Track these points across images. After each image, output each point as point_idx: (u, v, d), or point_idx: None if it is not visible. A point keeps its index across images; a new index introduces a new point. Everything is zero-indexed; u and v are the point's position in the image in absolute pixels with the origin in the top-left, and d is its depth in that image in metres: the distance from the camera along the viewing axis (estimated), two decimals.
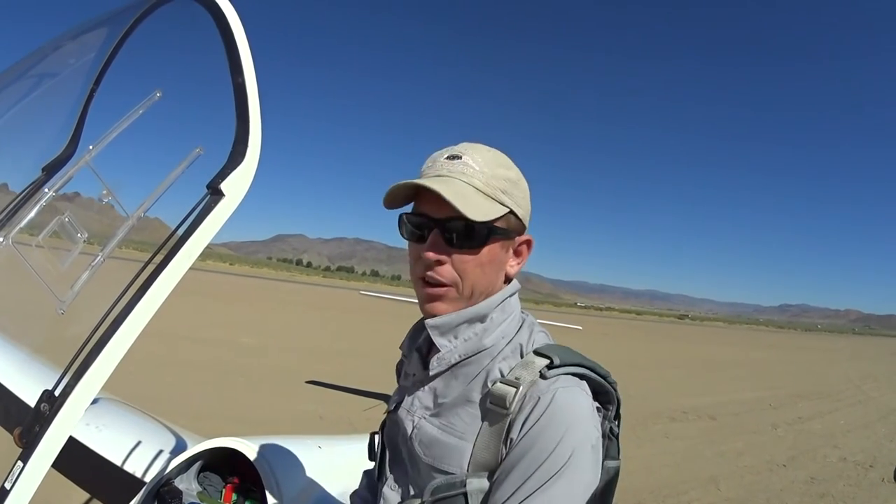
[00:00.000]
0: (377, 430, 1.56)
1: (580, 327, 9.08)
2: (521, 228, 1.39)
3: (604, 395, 1.34)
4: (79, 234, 1.31)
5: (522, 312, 1.43)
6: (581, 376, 1.27)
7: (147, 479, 2.44)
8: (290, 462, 2.44)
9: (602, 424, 1.31)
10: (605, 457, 1.30)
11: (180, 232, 1.17)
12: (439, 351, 1.35)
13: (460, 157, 1.30)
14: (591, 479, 1.21)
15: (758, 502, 8.00)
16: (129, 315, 1.08)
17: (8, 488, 1.04)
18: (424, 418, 1.35)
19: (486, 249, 1.30)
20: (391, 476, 1.44)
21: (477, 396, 1.28)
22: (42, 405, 1.09)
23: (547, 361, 1.25)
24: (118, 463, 2.55)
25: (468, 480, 1.22)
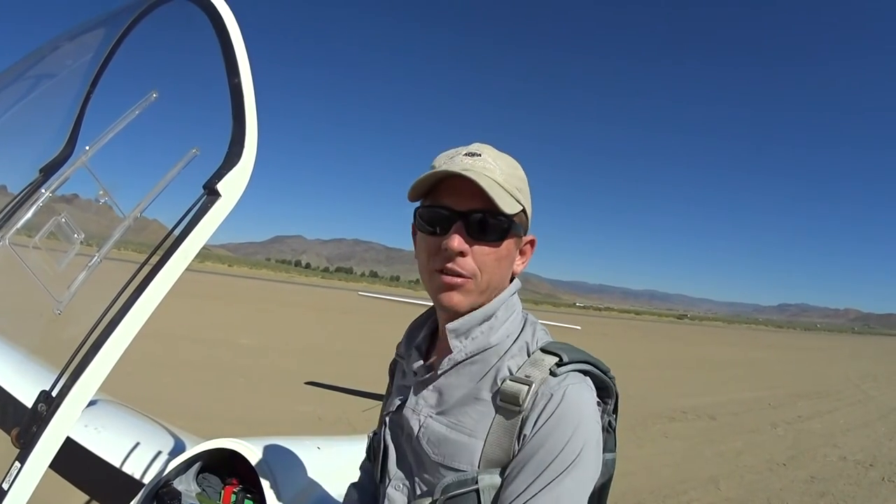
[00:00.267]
0: (375, 430, 1.57)
1: (579, 327, 9.07)
2: (528, 228, 1.42)
3: (604, 389, 1.36)
4: (75, 235, 1.31)
5: (522, 311, 1.44)
6: (585, 372, 1.30)
7: (146, 480, 2.44)
8: (289, 463, 2.44)
9: (601, 418, 1.32)
10: (604, 449, 1.31)
11: (177, 232, 1.17)
12: (440, 349, 1.39)
13: (480, 155, 1.32)
14: (594, 474, 1.24)
15: (758, 502, 7.99)
16: (126, 315, 1.08)
17: (6, 489, 1.04)
18: (431, 417, 1.35)
19: (504, 244, 1.32)
20: (396, 476, 1.43)
21: (486, 394, 1.29)
22: (39, 406, 1.09)
23: (556, 359, 1.27)
24: (117, 464, 2.55)
25: (480, 477, 1.23)
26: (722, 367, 28.04)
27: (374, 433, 1.58)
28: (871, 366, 36.56)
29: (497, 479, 1.23)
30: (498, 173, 1.30)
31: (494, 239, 1.30)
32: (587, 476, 1.21)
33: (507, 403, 1.24)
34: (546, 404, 1.21)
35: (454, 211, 1.29)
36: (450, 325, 1.34)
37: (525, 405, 1.22)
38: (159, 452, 2.67)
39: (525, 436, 1.22)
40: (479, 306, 1.35)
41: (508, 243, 1.34)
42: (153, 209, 1.29)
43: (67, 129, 1.51)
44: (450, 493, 1.24)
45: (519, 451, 1.22)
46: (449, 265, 1.29)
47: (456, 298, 1.31)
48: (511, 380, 1.25)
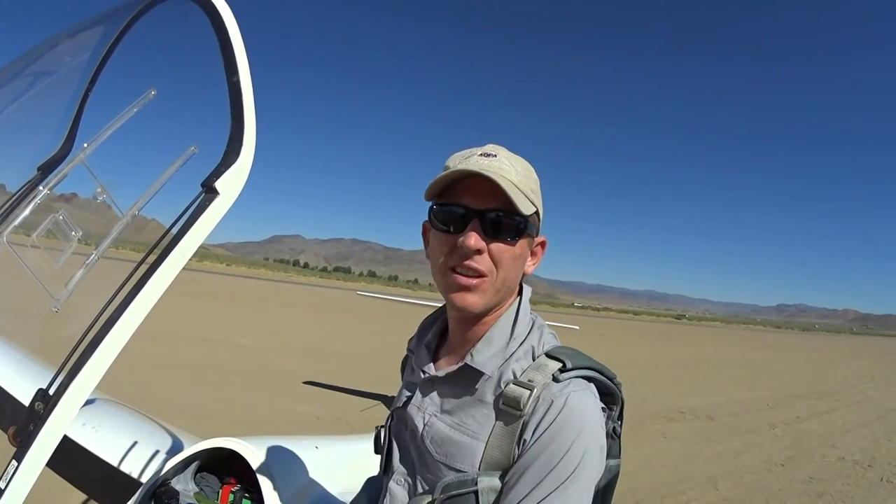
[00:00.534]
0: (383, 424, 1.58)
1: (577, 327, 9.08)
2: (539, 230, 1.43)
3: (609, 395, 1.36)
4: (73, 233, 1.30)
5: (531, 313, 1.45)
6: (590, 378, 1.30)
7: (144, 479, 2.44)
8: (287, 462, 2.43)
9: (605, 424, 1.32)
10: (608, 455, 1.32)
11: (174, 230, 1.17)
12: (449, 348, 1.42)
13: (495, 156, 1.33)
14: (596, 480, 1.24)
15: (756, 502, 7.99)
16: (124, 314, 1.08)
17: (2, 487, 1.04)
18: (436, 416, 1.37)
19: (519, 243, 1.34)
20: (398, 471, 1.45)
21: (490, 397, 1.30)
22: (36, 404, 1.09)
23: (559, 365, 1.28)
24: (115, 463, 2.54)
25: (479, 479, 1.24)
26: (720, 367, 28.04)
27: (381, 426, 1.58)
28: (870, 366, 36.59)
29: (496, 482, 1.23)
30: (514, 174, 1.32)
31: (510, 238, 1.31)
32: (590, 483, 1.21)
33: (508, 407, 1.24)
34: (547, 410, 1.21)
35: (471, 209, 1.30)
36: (473, 361, 1.34)
37: (526, 410, 1.22)
38: (157, 451, 2.67)
39: (525, 441, 1.22)
40: (494, 306, 1.36)
41: (522, 243, 1.35)
42: (151, 207, 1.29)
43: (66, 126, 1.51)
44: (449, 493, 1.24)
45: (519, 456, 1.22)
46: (466, 262, 1.29)
47: (470, 299, 1.32)
48: (514, 384, 1.26)
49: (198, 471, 2.37)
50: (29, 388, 1.15)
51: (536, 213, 1.37)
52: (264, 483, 2.18)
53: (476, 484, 1.23)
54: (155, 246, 1.20)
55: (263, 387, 11.81)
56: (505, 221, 1.30)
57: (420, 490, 1.36)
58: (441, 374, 1.39)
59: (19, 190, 1.45)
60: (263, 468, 2.22)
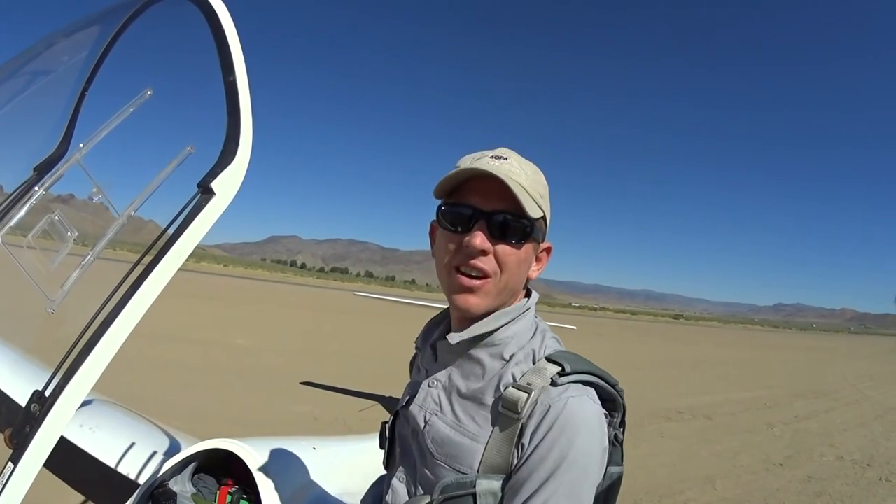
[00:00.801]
0: (387, 420, 1.60)
1: (574, 327, 9.08)
2: (545, 235, 1.44)
3: (611, 402, 1.36)
4: (69, 233, 1.30)
5: (536, 317, 1.46)
6: (590, 384, 1.29)
7: (141, 480, 2.43)
8: (285, 463, 2.43)
9: (607, 431, 1.32)
10: (609, 462, 1.32)
11: (171, 231, 1.16)
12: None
13: (506, 159, 1.34)
14: (596, 483, 1.24)
15: (755, 502, 8.00)
16: (120, 314, 1.07)
17: None
18: (437, 415, 1.37)
19: (524, 247, 1.35)
20: (400, 469, 1.46)
21: (490, 399, 1.31)
22: (32, 406, 1.08)
23: (558, 369, 1.28)
24: (112, 465, 2.54)
25: (478, 481, 1.24)
26: (718, 366, 28.05)
27: (386, 422, 1.60)
28: (868, 365, 36.65)
29: (495, 485, 1.24)
30: (524, 178, 1.32)
31: (516, 240, 1.32)
32: (590, 490, 1.21)
33: (507, 410, 1.25)
34: (545, 416, 1.21)
35: (478, 210, 1.31)
36: (451, 336, 1.37)
37: (523, 413, 1.22)
38: (155, 453, 2.66)
39: (524, 445, 1.22)
40: (495, 309, 1.37)
41: (528, 247, 1.36)
42: (147, 208, 1.28)
43: (62, 127, 1.50)
44: (448, 494, 1.25)
45: (519, 462, 1.23)
46: (471, 262, 1.30)
47: (473, 301, 1.32)
48: (513, 387, 1.26)
49: (195, 472, 2.37)
50: (25, 389, 1.15)
51: (543, 218, 1.38)
52: (262, 484, 2.17)
53: (474, 486, 1.23)
54: (151, 247, 1.19)
55: (261, 387, 11.81)
56: (512, 224, 1.31)
57: (419, 488, 1.37)
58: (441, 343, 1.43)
59: (15, 190, 1.44)
60: (261, 469, 2.21)
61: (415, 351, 1.64)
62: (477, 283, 1.30)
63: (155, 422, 3.08)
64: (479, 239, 1.27)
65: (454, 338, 1.37)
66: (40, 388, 1.10)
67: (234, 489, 2.33)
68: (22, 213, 1.36)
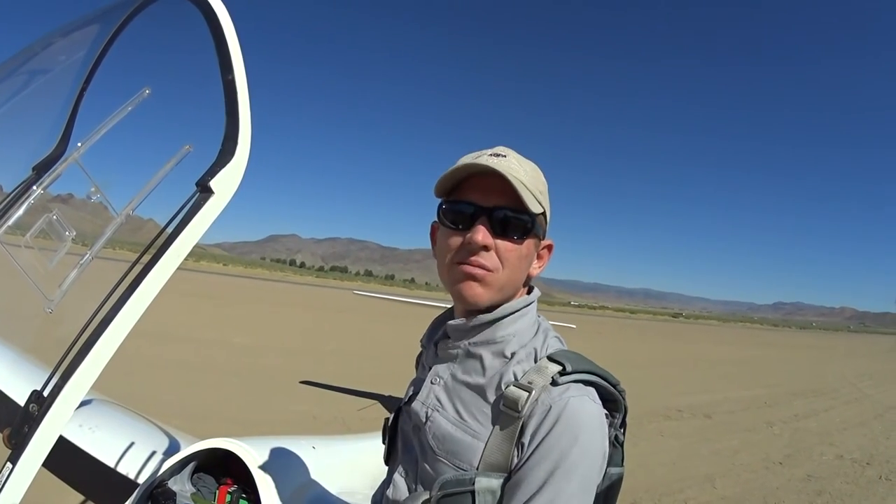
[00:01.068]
0: (390, 415, 1.60)
1: (574, 326, 9.08)
2: (546, 232, 1.45)
3: (612, 402, 1.36)
4: (67, 233, 1.30)
5: (538, 316, 1.46)
6: (591, 383, 1.30)
7: (140, 480, 2.43)
8: (285, 462, 2.43)
9: (608, 431, 1.32)
10: (609, 463, 1.32)
11: (169, 230, 1.17)
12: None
13: (505, 156, 1.35)
14: (596, 483, 1.25)
15: (754, 500, 8.00)
16: (118, 314, 1.07)
17: None
18: (438, 411, 1.37)
19: (525, 242, 1.35)
20: (402, 464, 1.46)
21: (491, 397, 1.31)
22: (31, 405, 1.08)
23: (559, 368, 1.28)
24: (111, 464, 2.54)
25: (477, 479, 1.24)
26: (717, 365, 28.07)
27: (388, 418, 1.60)
28: (868, 364, 36.67)
29: (494, 484, 1.23)
30: (523, 174, 1.33)
31: (517, 236, 1.33)
32: (590, 490, 1.22)
33: (507, 409, 1.25)
34: (546, 415, 1.21)
35: (479, 206, 1.32)
36: (451, 323, 1.38)
37: (524, 412, 1.22)
38: (154, 452, 2.66)
39: (524, 444, 1.23)
40: (497, 304, 1.37)
41: (529, 243, 1.36)
42: (145, 207, 1.29)
43: (61, 126, 1.50)
44: (446, 490, 1.25)
45: (519, 461, 1.23)
46: (473, 258, 1.31)
47: (478, 290, 1.32)
48: (514, 385, 1.26)
49: (194, 471, 2.37)
50: (23, 389, 1.15)
51: (544, 214, 1.38)
52: (261, 483, 2.17)
53: (473, 483, 1.23)
54: (149, 246, 1.20)
55: (260, 387, 11.80)
56: (513, 219, 1.31)
57: (419, 484, 1.37)
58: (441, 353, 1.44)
59: (14, 190, 1.44)
60: (260, 468, 2.21)
61: (420, 349, 1.64)
62: (481, 272, 1.30)
63: (154, 421, 3.08)
64: (480, 235, 1.28)
65: (453, 323, 1.38)
66: (39, 388, 1.10)
67: (233, 488, 2.32)
68: (20, 212, 1.36)
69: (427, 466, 1.35)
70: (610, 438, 1.32)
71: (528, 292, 1.46)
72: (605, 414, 1.31)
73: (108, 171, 1.36)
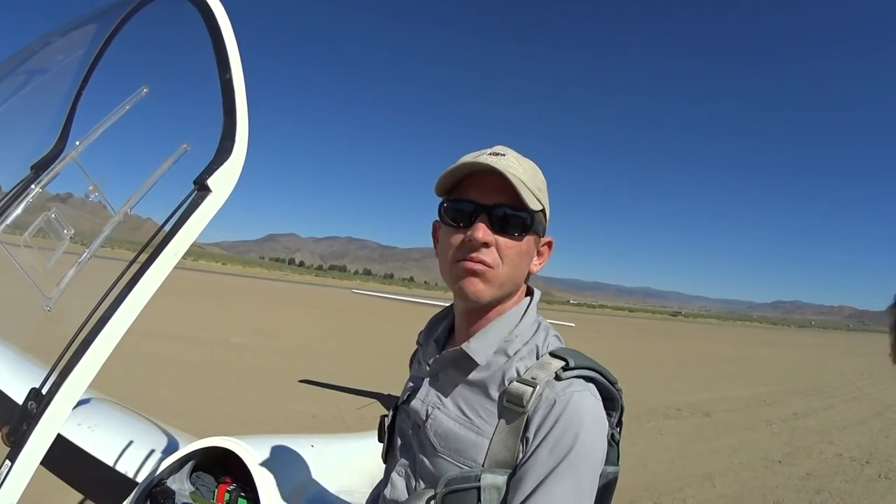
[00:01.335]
0: (387, 413, 1.60)
1: (573, 325, 9.07)
2: (546, 230, 1.46)
3: (610, 401, 1.37)
4: (65, 231, 1.30)
5: (538, 315, 1.47)
6: (592, 379, 1.31)
7: (139, 479, 2.43)
8: (283, 461, 2.43)
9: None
10: (605, 462, 1.32)
11: (167, 228, 1.17)
12: (457, 343, 1.41)
13: (504, 155, 1.36)
14: (596, 480, 1.26)
15: (754, 499, 8.00)
16: (117, 312, 1.08)
17: None
18: (439, 409, 1.38)
19: (525, 239, 1.36)
20: (400, 463, 1.46)
21: (495, 394, 1.32)
22: (29, 403, 1.09)
23: (562, 363, 1.29)
24: (110, 463, 2.54)
25: (483, 476, 1.24)
26: (716, 363, 28.08)
27: (385, 415, 1.60)
28: (867, 363, 36.64)
29: (499, 480, 1.24)
30: (522, 172, 1.34)
31: (517, 233, 1.34)
32: (591, 484, 1.23)
33: (512, 404, 1.26)
34: (550, 409, 1.22)
35: (479, 204, 1.33)
36: (468, 348, 1.36)
37: (529, 407, 1.24)
38: (153, 451, 2.67)
39: (529, 439, 1.23)
40: (499, 300, 1.38)
41: (529, 240, 1.37)
42: (143, 205, 1.29)
43: (59, 125, 1.50)
44: (452, 488, 1.25)
45: (524, 456, 1.23)
46: (473, 255, 1.31)
47: (479, 286, 1.33)
48: (518, 381, 1.28)
49: (193, 470, 2.37)
50: (22, 387, 1.15)
51: (543, 211, 1.39)
52: (260, 482, 2.17)
53: (479, 480, 1.24)
54: (147, 244, 1.20)
55: (259, 386, 11.80)
56: (512, 216, 1.32)
57: (420, 482, 1.37)
58: (438, 356, 1.43)
59: (12, 189, 1.44)
60: (259, 467, 2.22)
61: (415, 347, 1.65)
62: (482, 267, 1.31)
63: (153, 420, 3.08)
64: (481, 231, 1.29)
65: (474, 347, 1.36)
66: (37, 386, 1.10)
67: (232, 487, 2.33)
68: (19, 211, 1.36)
69: (428, 464, 1.35)
70: (606, 436, 1.33)
71: (529, 293, 1.47)
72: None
73: (106, 169, 1.36)
